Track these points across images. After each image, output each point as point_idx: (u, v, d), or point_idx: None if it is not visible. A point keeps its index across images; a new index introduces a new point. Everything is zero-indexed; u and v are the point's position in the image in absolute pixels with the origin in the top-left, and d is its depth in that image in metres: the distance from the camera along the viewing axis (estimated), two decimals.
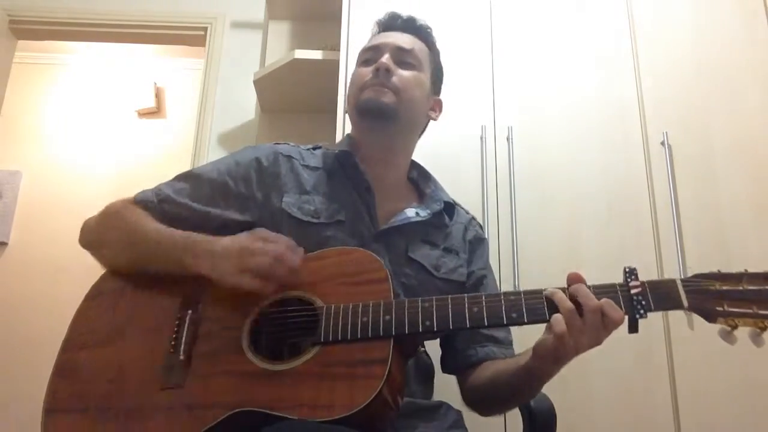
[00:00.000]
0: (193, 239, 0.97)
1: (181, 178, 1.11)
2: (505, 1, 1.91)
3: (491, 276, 1.20)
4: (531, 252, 1.65)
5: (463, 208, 1.25)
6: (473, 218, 1.25)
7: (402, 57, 1.15)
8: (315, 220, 1.05)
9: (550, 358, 0.86)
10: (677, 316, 1.60)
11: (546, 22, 1.90)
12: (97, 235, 1.07)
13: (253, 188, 1.08)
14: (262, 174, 1.10)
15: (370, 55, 1.17)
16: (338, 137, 1.64)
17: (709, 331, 1.55)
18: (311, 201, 1.08)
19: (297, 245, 0.93)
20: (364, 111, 1.13)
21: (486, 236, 1.30)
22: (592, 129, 1.79)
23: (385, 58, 1.12)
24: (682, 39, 1.87)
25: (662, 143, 1.75)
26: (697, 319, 1.58)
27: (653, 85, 1.82)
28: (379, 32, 1.22)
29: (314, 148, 1.20)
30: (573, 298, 0.83)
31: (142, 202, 1.07)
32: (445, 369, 1.13)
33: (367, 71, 1.14)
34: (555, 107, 1.81)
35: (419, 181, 1.22)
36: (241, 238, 0.94)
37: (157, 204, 1.06)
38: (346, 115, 1.24)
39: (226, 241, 0.94)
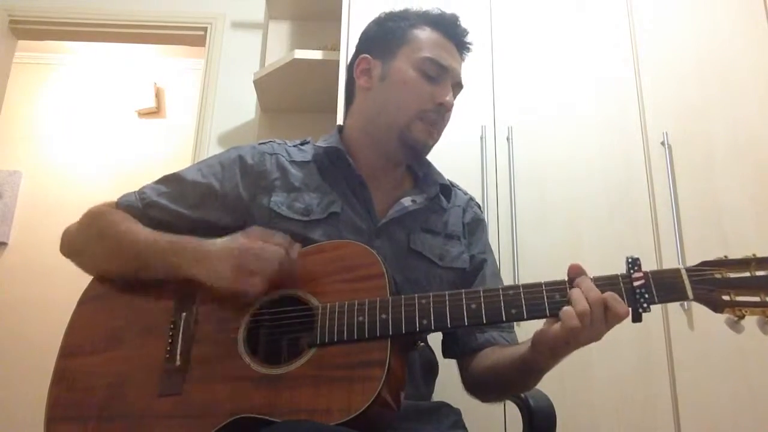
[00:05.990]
0: (183, 243, 0.94)
1: (166, 181, 1.08)
2: (505, 2, 1.91)
3: (491, 259, 1.18)
4: (531, 252, 1.65)
5: (460, 189, 1.22)
6: (471, 198, 1.23)
7: (455, 93, 1.12)
8: (305, 218, 1.02)
9: (548, 353, 0.85)
10: (678, 317, 1.60)
11: (546, 22, 1.90)
12: (81, 242, 1.04)
13: (239, 189, 1.05)
14: (247, 173, 1.07)
15: (435, 73, 1.07)
16: None
17: (709, 331, 1.57)
18: (301, 198, 1.04)
19: (292, 241, 0.92)
20: (409, 148, 1.08)
21: (485, 216, 1.28)
22: (592, 129, 1.78)
23: (450, 98, 1.08)
24: (682, 39, 1.87)
25: (662, 143, 1.75)
26: (697, 319, 1.60)
27: (653, 85, 1.82)
28: (441, 36, 1.11)
29: (302, 143, 1.16)
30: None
31: (126, 208, 1.04)
32: (446, 354, 1.12)
33: (430, 94, 1.07)
34: (555, 107, 1.81)
35: (413, 163, 1.18)
36: (239, 239, 0.91)
37: (142, 209, 1.04)
38: (346, 113, 1.21)
39: (221, 242, 0.92)
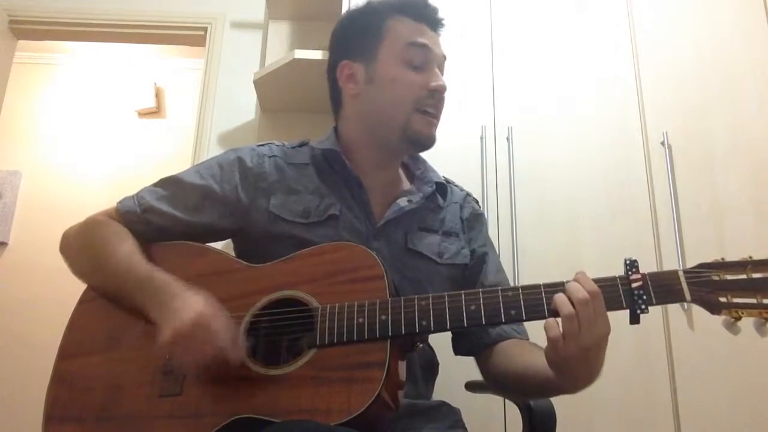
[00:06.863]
0: (155, 284, 0.91)
1: (164, 183, 1.08)
2: (505, 2, 1.91)
3: (492, 252, 1.18)
4: (531, 252, 1.65)
5: (457, 186, 1.22)
6: (468, 194, 1.22)
7: (442, 68, 1.11)
8: (304, 221, 1.03)
9: (554, 370, 0.84)
10: (677, 316, 1.60)
11: (546, 22, 1.90)
12: (74, 250, 1.04)
13: (238, 191, 1.05)
14: (246, 176, 1.07)
15: (420, 59, 1.07)
16: None
17: (709, 331, 1.57)
18: (300, 201, 1.05)
19: (240, 345, 0.85)
20: (414, 142, 1.08)
21: (483, 211, 1.27)
22: (592, 129, 1.78)
23: (441, 81, 1.07)
24: (682, 39, 1.87)
25: (662, 143, 1.75)
26: (697, 319, 1.60)
27: (653, 85, 1.82)
28: (413, 21, 1.10)
29: (300, 145, 1.16)
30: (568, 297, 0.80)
31: (125, 214, 1.04)
32: (458, 352, 1.12)
33: (421, 83, 1.06)
34: (555, 107, 1.81)
35: (408, 162, 1.19)
36: (205, 308, 0.85)
37: (141, 215, 1.04)
38: (337, 118, 1.21)
39: (190, 299, 0.87)
